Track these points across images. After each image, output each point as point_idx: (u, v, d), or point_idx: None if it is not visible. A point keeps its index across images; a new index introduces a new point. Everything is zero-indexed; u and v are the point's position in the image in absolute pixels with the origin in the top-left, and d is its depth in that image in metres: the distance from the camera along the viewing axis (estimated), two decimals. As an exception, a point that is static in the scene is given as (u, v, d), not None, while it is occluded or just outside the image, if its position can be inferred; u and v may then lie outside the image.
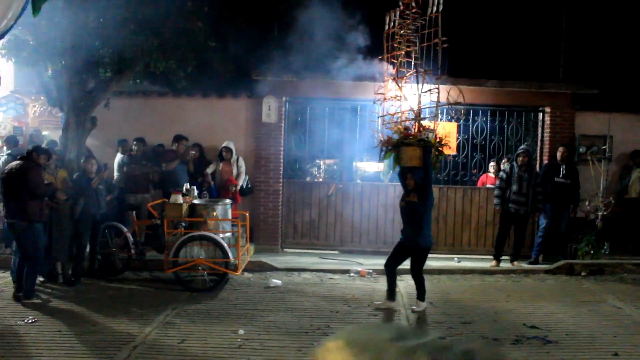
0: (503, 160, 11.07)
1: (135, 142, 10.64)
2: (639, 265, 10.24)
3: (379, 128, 8.07)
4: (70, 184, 8.93)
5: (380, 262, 10.32)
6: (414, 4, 7.64)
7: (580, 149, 11.20)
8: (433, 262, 8.53)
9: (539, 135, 11.46)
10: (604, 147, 11.22)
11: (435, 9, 7.30)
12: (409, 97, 7.77)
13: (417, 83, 7.63)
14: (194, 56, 9.83)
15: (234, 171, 10.79)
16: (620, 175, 11.34)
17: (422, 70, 7.61)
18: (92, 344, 6.21)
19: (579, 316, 7.59)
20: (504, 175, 10.39)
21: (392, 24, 7.83)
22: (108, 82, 9.64)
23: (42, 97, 10.75)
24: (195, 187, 9.48)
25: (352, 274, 9.66)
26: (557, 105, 11.19)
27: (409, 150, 7.48)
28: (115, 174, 10.64)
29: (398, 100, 7.83)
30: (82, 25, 8.48)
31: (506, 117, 11.35)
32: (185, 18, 9.16)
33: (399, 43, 7.79)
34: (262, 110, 11.17)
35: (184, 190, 9.16)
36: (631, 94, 12.76)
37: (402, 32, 7.77)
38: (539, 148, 11.44)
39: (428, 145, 7.47)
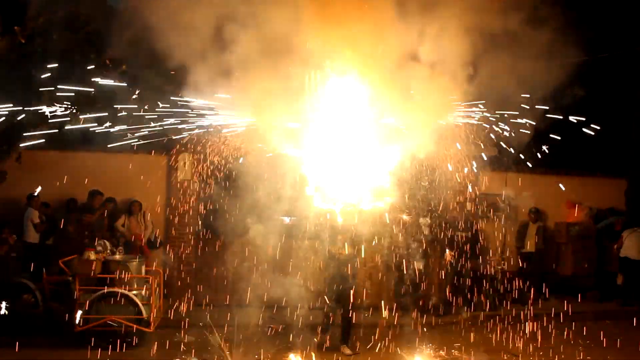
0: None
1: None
2: (537, 316, 10.90)
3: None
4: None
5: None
6: None
7: (482, 206, 11.94)
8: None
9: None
10: (503, 204, 12.02)
11: None
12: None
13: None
14: (109, 111, 9.82)
15: (142, 226, 10.77)
16: (518, 230, 12.13)
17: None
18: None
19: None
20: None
21: None
22: (20, 137, 9.49)
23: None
24: (108, 243, 9.38)
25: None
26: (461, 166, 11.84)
27: None
28: (25, 227, 10.39)
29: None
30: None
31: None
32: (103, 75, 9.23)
33: None
34: (177, 166, 11.24)
35: (97, 246, 9.06)
36: (526, 154, 13.73)
37: None
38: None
39: None
